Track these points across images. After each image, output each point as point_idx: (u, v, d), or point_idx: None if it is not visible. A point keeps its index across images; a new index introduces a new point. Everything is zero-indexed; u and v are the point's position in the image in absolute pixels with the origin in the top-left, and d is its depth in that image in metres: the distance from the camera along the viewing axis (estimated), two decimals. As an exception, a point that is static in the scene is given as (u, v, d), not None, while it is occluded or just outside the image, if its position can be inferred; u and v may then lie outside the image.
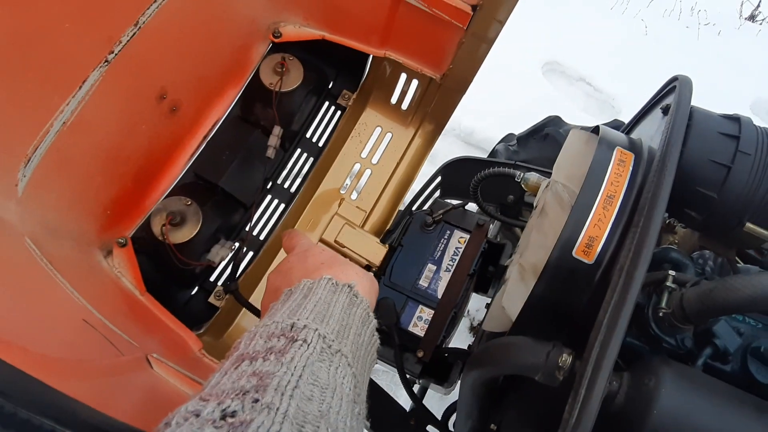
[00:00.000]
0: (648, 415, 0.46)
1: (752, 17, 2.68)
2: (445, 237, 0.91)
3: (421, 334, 0.85)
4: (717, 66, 2.24)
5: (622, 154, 0.59)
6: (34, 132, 0.49)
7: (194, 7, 0.70)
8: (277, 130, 0.82)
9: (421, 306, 0.87)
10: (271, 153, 0.81)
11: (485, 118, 1.85)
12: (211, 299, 0.78)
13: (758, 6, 2.57)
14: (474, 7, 0.73)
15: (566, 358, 0.49)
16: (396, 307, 0.86)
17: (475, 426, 0.65)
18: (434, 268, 0.89)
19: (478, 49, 0.78)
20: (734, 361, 0.56)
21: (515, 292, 0.59)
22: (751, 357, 0.55)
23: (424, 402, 0.95)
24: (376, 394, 0.94)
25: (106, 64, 0.56)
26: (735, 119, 0.62)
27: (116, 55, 0.57)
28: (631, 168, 0.57)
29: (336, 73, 0.96)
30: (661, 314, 0.53)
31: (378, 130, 1.01)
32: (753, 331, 0.58)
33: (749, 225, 0.59)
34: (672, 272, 0.55)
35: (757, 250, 0.70)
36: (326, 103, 0.96)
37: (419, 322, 0.87)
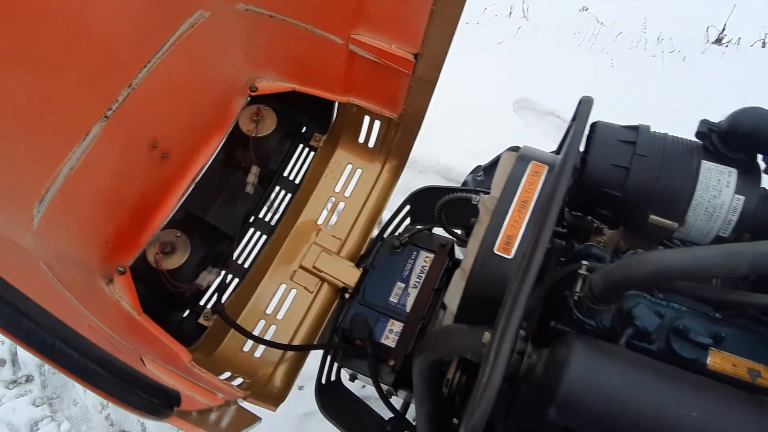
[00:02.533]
0: (561, 379, 0.55)
1: (719, 40, 2.85)
2: (412, 257, 1.01)
3: (393, 345, 0.94)
4: (682, 90, 2.39)
5: (536, 166, 0.70)
6: (47, 175, 0.61)
7: (180, 68, 0.84)
8: (254, 170, 0.95)
9: (391, 320, 0.96)
10: (249, 189, 0.93)
11: (461, 155, 1.98)
12: (201, 320, 0.88)
13: (723, 30, 2.74)
14: (416, 56, 0.86)
15: (488, 336, 0.58)
16: (369, 322, 0.95)
17: (430, 410, 0.73)
18: (403, 285, 0.99)
19: (424, 89, 0.91)
20: (659, 340, 0.64)
21: (455, 290, 0.69)
22: (673, 335, 0.64)
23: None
24: (353, 403, 1.02)
25: (105, 119, 0.69)
26: (634, 128, 0.73)
27: (113, 111, 0.70)
28: (543, 177, 0.68)
29: (308, 119, 1.09)
30: (576, 298, 0.63)
31: (349, 167, 1.13)
32: (676, 314, 0.67)
33: (653, 217, 0.69)
34: (585, 262, 0.65)
35: (669, 240, 0.80)
36: (300, 146, 1.09)
37: (390, 334, 0.96)
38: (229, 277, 0.95)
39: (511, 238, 0.64)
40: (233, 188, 0.97)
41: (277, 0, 0.90)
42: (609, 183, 0.70)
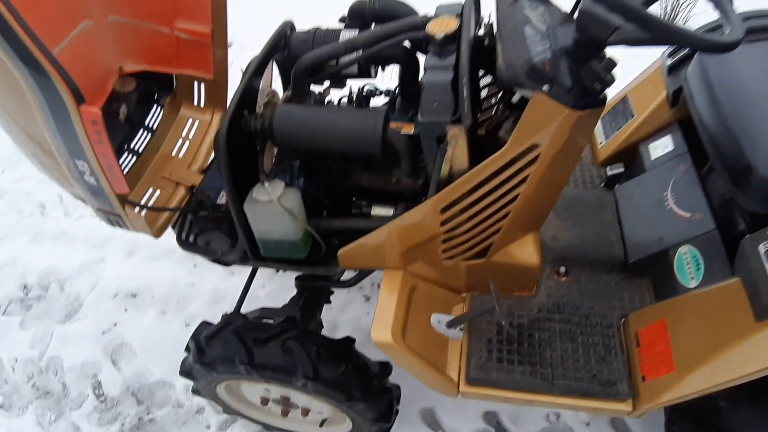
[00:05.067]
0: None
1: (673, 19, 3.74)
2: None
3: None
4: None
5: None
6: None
7: (76, 55, 1.44)
8: (123, 108, 1.55)
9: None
10: (121, 117, 1.53)
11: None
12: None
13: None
14: (212, 31, 1.55)
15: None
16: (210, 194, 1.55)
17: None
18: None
19: (222, 52, 1.59)
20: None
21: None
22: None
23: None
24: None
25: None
26: None
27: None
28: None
29: (159, 86, 1.73)
30: None
31: (190, 119, 1.77)
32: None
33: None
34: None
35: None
36: (154, 106, 1.71)
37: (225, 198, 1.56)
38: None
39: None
40: (114, 125, 1.55)
41: (130, 10, 1.55)
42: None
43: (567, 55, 1.03)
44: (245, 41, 3.33)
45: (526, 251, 1.28)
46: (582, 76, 0.99)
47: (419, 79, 1.07)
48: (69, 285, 2.24)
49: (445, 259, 1.27)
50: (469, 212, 1.13)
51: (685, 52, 1.54)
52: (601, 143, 1.71)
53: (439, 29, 1.09)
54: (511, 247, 1.27)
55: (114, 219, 1.41)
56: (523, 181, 1.08)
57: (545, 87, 0.95)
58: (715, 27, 1.51)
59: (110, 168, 1.18)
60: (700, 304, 1.21)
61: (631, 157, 1.63)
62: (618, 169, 1.60)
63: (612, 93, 1.76)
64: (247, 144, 1.23)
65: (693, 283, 1.26)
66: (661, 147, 1.54)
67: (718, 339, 1.13)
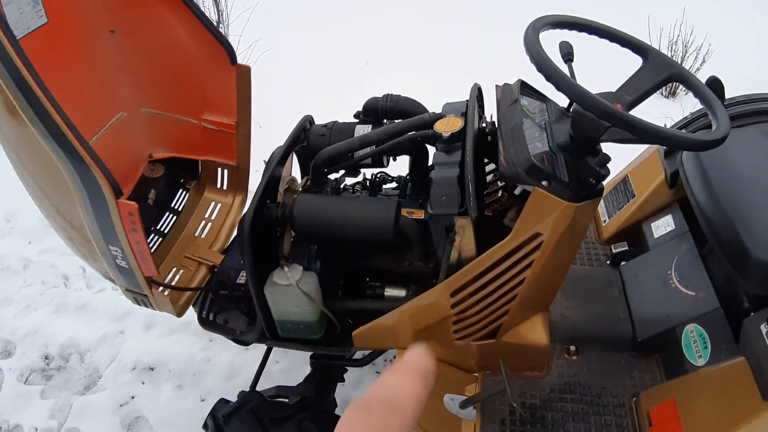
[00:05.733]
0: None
1: (673, 93, 3.59)
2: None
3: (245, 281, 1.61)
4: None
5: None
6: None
7: (112, 144, 1.58)
8: (152, 193, 1.66)
9: (242, 271, 1.64)
10: (150, 201, 1.63)
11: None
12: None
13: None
14: (236, 123, 1.68)
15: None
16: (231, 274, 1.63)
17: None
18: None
19: (245, 142, 1.72)
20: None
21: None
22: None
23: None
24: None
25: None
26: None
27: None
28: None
29: (184, 171, 1.85)
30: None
31: (213, 202, 1.87)
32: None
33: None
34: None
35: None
36: (180, 189, 1.82)
37: (244, 278, 1.63)
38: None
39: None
40: (143, 208, 1.66)
41: (162, 103, 1.70)
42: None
43: (564, 151, 1.12)
44: (262, 119, 3.54)
45: (535, 331, 1.32)
46: (578, 170, 1.07)
47: (429, 173, 1.16)
48: (89, 356, 2.29)
49: (456, 339, 1.31)
50: (477, 295, 1.19)
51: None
52: (605, 221, 1.78)
53: (445, 128, 1.20)
54: (520, 328, 1.32)
55: (140, 299, 1.49)
56: (529, 266, 1.14)
57: (544, 183, 1.04)
58: (703, 114, 1.61)
59: (141, 254, 1.26)
60: (709, 382, 1.23)
61: (634, 235, 1.69)
62: (622, 247, 1.65)
63: (613, 173, 1.84)
64: (268, 229, 1.32)
65: (701, 362, 1.28)
66: (663, 226, 1.60)
67: (728, 418, 1.14)
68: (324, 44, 4.76)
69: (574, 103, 1.11)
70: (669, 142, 0.98)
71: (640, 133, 0.96)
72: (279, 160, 1.36)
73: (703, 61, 3.77)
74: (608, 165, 1.08)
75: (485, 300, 1.20)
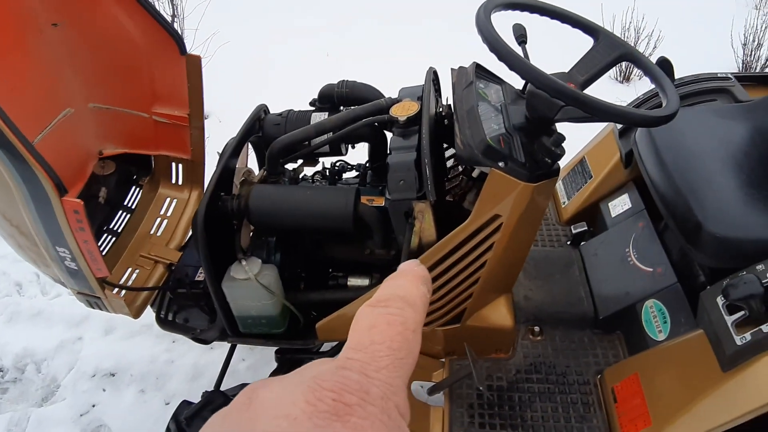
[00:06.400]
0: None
1: (627, 78, 3.68)
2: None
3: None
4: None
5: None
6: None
7: (59, 142, 1.50)
8: (102, 191, 1.59)
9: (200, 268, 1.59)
10: (101, 200, 1.57)
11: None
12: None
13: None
14: (189, 114, 1.62)
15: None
16: (188, 272, 1.57)
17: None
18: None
19: (199, 134, 1.66)
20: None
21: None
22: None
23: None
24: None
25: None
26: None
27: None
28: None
29: (138, 168, 1.78)
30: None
31: (168, 199, 1.81)
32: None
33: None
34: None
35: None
36: (133, 186, 1.75)
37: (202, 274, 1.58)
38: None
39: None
40: (94, 207, 1.59)
41: (110, 98, 1.62)
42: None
43: (519, 132, 1.12)
44: (222, 114, 3.46)
45: (499, 314, 1.32)
46: (534, 151, 1.07)
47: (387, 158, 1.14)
48: (46, 366, 2.20)
49: (421, 326, 1.30)
50: (440, 280, 1.18)
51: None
52: (564, 203, 1.80)
53: (401, 112, 1.18)
54: (484, 311, 1.32)
55: (94, 301, 1.42)
56: (490, 248, 1.14)
57: (501, 164, 1.03)
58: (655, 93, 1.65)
59: (91, 254, 1.21)
60: (670, 356, 1.26)
61: (593, 215, 1.71)
62: (582, 227, 1.68)
63: (570, 154, 1.86)
64: (224, 223, 1.28)
65: (661, 336, 1.31)
66: (619, 205, 1.63)
67: (690, 391, 1.16)
68: (283, 36, 4.68)
69: (529, 84, 1.11)
70: (621, 118, 0.99)
71: (593, 110, 0.96)
72: (232, 151, 1.32)
73: (655, 47, 3.87)
74: (564, 145, 1.08)
75: (448, 285, 1.19)
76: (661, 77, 1.13)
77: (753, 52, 3.91)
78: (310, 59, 4.32)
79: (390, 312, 0.35)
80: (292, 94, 3.12)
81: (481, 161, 1.03)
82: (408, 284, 0.37)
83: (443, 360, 1.42)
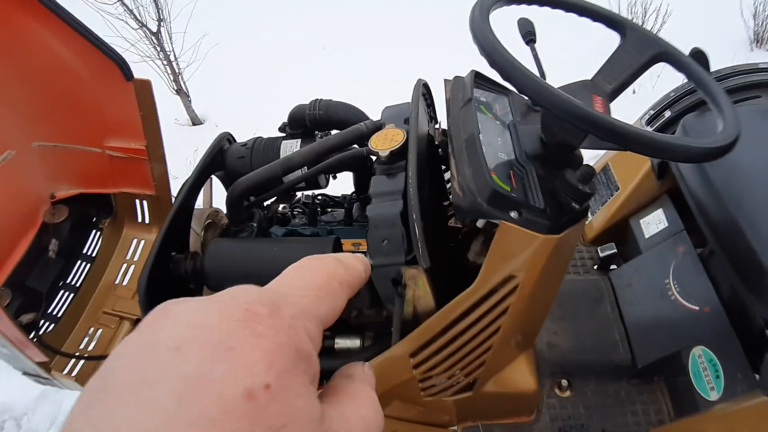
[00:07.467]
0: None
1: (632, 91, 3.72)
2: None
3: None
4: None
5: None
6: None
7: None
8: (53, 243, 1.38)
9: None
10: (51, 254, 1.36)
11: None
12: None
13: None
14: (146, 146, 1.40)
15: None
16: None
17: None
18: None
19: (160, 167, 1.44)
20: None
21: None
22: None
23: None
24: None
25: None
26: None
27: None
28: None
29: (97, 209, 1.56)
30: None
31: (135, 240, 1.60)
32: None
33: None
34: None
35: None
36: (93, 230, 1.54)
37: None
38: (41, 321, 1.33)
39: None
40: (44, 262, 1.39)
41: (55, 134, 1.41)
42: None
43: (534, 162, 0.88)
44: (218, 118, 3.23)
45: (519, 375, 1.10)
46: (556, 190, 0.84)
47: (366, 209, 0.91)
48: (26, 421, 2.03)
49: (425, 397, 1.08)
50: (444, 353, 0.95)
51: (666, 117, 1.40)
52: (588, 219, 1.55)
53: (383, 145, 0.94)
54: (501, 374, 1.09)
55: (44, 381, 1.23)
56: (504, 312, 0.91)
57: (513, 214, 0.80)
58: (693, 89, 1.39)
59: (19, 341, 1.00)
60: (727, 423, 1.03)
61: (622, 234, 1.47)
62: (610, 249, 1.44)
63: (589, 158, 1.62)
64: (177, 287, 1.06)
65: (714, 395, 1.08)
66: (653, 223, 1.39)
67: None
68: (277, 31, 4.43)
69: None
70: (670, 154, 0.74)
71: (630, 143, 0.72)
72: (187, 192, 1.09)
73: (663, 22, 3.57)
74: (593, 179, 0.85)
75: (454, 356, 0.96)
76: (712, 87, 0.88)
77: (764, 23, 3.60)
78: (306, 53, 4.06)
79: (322, 261, 0.31)
80: (289, 90, 2.88)
81: (486, 212, 0.80)
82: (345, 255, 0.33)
83: (455, 428, 1.20)
